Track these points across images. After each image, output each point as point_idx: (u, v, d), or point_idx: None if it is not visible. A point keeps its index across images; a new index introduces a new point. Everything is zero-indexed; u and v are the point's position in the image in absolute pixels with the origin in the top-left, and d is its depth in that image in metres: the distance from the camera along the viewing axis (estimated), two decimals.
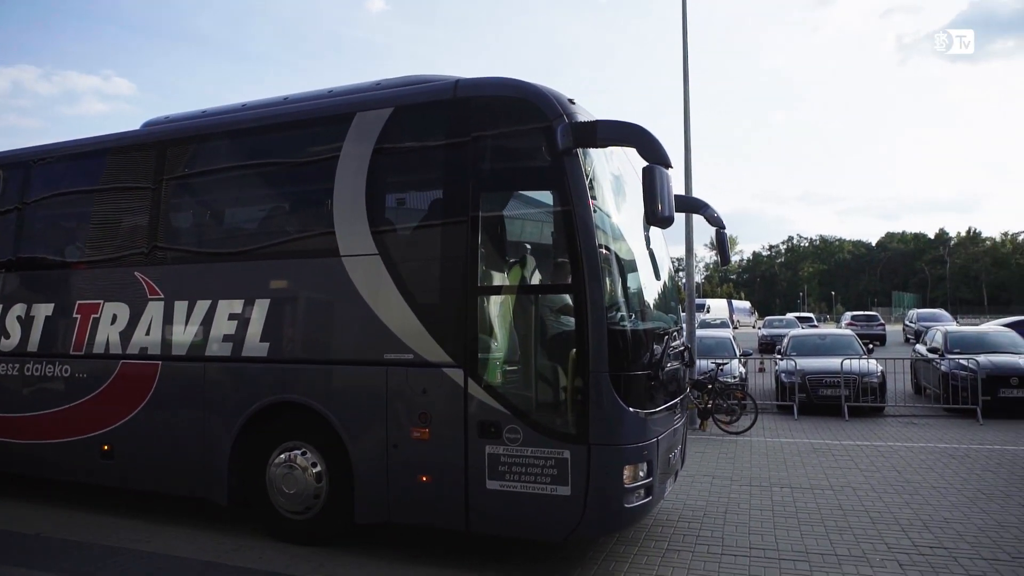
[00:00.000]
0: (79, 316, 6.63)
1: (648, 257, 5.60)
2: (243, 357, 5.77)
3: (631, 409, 4.71)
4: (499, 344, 5.04)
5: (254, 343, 5.73)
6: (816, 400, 12.84)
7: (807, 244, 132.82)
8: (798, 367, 13.09)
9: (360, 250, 5.37)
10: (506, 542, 5.39)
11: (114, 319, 6.43)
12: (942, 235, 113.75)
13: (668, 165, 4.58)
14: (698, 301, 34.85)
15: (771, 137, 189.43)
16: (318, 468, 5.49)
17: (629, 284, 5.14)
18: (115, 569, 5.08)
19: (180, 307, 6.12)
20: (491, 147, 5.16)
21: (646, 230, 5.71)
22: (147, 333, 6.24)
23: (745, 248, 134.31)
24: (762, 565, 5.14)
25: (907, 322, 35.79)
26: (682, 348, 6.06)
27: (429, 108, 5.47)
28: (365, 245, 5.35)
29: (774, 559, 5.26)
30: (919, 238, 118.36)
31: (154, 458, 6.19)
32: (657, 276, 5.79)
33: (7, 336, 7.05)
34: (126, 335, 6.35)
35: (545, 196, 5.13)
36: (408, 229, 5.57)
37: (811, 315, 48.78)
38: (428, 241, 5.29)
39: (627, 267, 5.16)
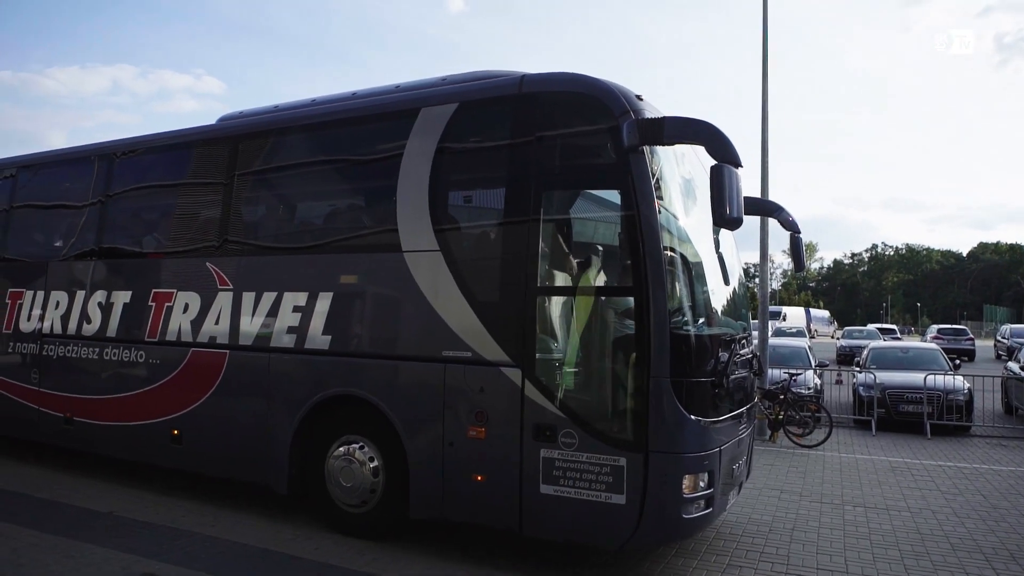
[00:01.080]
0: (154, 304, 6.88)
1: (717, 261, 5.39)
2: (306, 349, 5.85)
3: (692, 417, 4.53)
4: (558, 346, 4.94)
5: (316, 336, 5.81)
6: (896, 416, 12.19)
7: (892, 253, 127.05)
8: (878, 380, 12.44)
9: (422, 246, 5.36)
10: (561, 546, 5.27)
11: (186, 308, 6.64)
12: None
13: (738, 164, 4.37)
14: (773, 309, 33.80)
15: (855, 140, 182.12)
16: (375, 462, 5.51)
17: (695, 288, 4.96)
18: (180, 551, 5.22)
19: (248, 298, 6.26)
20: (556, 144, 5.07)
21: (715, 233, 5.50)
22: (216, 323, 6.42)
23: (825, 255, 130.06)
24: None
25: (999, 338, 33.66)
26: (750, 356, 5.81)
27: (494, 104, 5.42)
28: (427, 241, 5.34)
29: None
30: (1015, 249, 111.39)
31: (219, 444, 6.36)
32: (726, 281, 5.56)
33: (88, 321, 7.38)
34: (196, 324, 6.54)
35: (611, 195, 5.00)
36: (470, 226, 5.53)
37: (894, 327, 46.56)
38: (490, 239, 5.23)
39: (694, 271, 4.98)
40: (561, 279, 5.06)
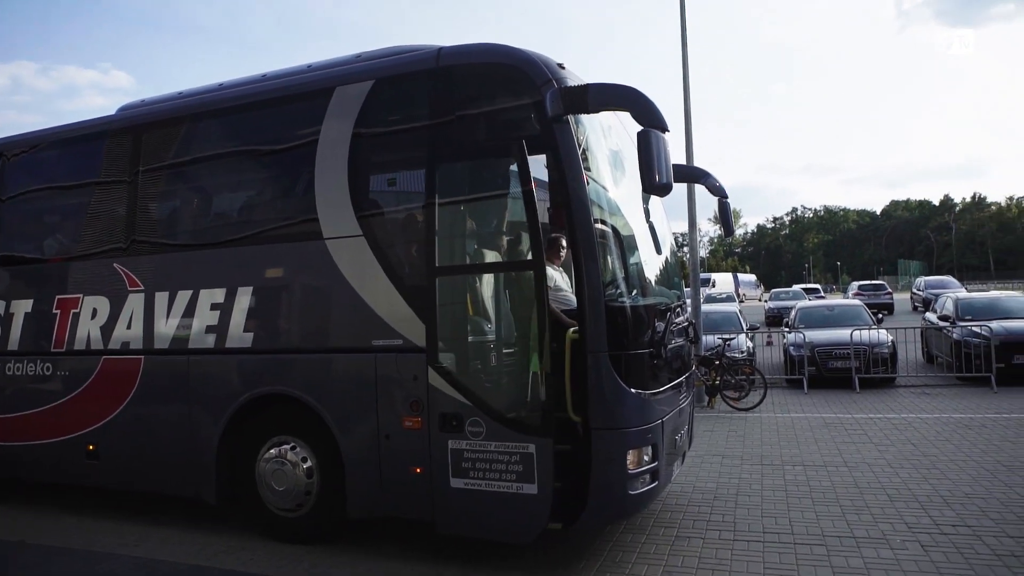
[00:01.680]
0: (59, 312, 6.38)
1: (648, 230, 5.31)
2: (227, 349, 5.51)
3: (633, 391, 4.44)
4: (468, 329, 4.82)
5: (238, 333, 5.47)
6: (826, 373, 12.56)
7: (811, 215, 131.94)
8: (807, 340, 12.79)
9: (344, 232, 5.08)
10: None
11: (94, 313, 6.18)
12: (947, 202, 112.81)
13: (664, 129, 4.26)
14: (703, 276, 34.45)
15: (772, 109, 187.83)
16: (308, 463, 5.25)
17: (627, 259, 4.86)
18: None
19: (161, 299, 5.85)
20: (478, 118, 4.86)
21: (645, 202, 5.41)
22: (128, 327, 5.99)
23: (749, 221, 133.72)
24: (777, 551, 4.89)
25: (915, 290, 35.35)
26: (686, 324, 5.78)
27: (411, 79, 5.16)
28: (350, 227, 5.06)
29: (789, 544, 5.01)
30: (924, 205, 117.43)
31: (141, 457, 5.96)
32: (658, 250, 5.50)
33: None
34: (107, 330, 6.09)
35: (538, 169, 4.84)
36: (394, 209, 5.28)
37: (818, 286, 48.17)
38: (415, 220, 4.99)
39: (625, 241, 4.87)
40: (473, 258, 4.91)
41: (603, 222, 4.55)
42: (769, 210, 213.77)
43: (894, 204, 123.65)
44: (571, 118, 4.50)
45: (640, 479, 4.51)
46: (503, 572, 4.75)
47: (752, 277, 70.50)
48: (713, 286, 41.30)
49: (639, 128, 4.27)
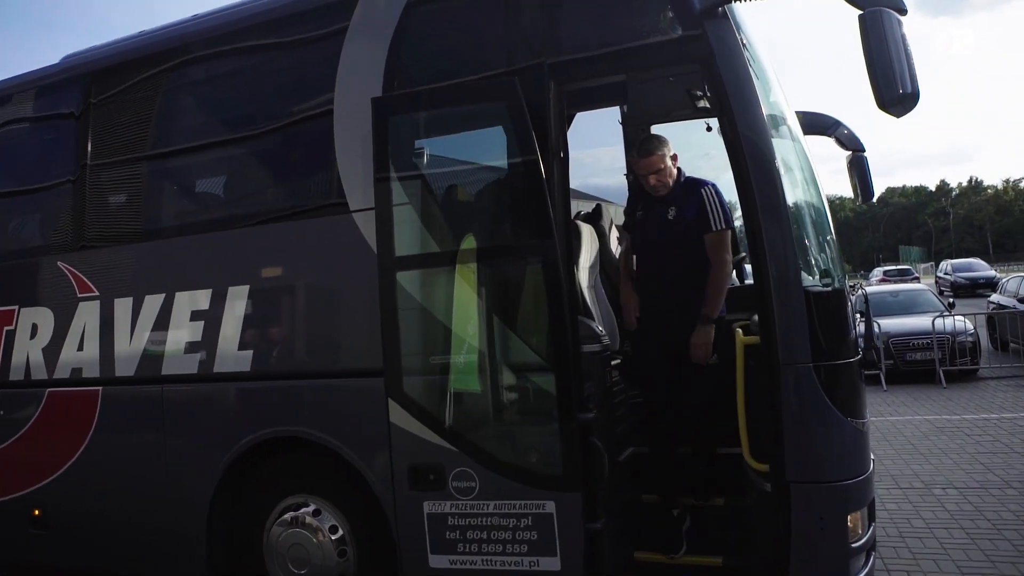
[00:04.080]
0: None
1: (816, 183, 3.73)
2: (216, 374, 3.91)
3: (849, 420, 2.88)
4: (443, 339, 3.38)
5: (230, 352, 3.87)
6: (903, 366, 11.05)
7: None
8: (881, 330, 11.24)
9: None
10: None
11: (34, 331, 4.55)
12: (943, 187, 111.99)
13: (903, 10, 2.69)
14: None
15: None
16: (339, 532, 3.66)
17: (818, 222, 3.29)
18: None
19: (122, 307, 4.23)
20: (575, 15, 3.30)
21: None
22: (79, 347, 4.36)
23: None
24: None
25: (941, 274, 33.33)
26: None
27: None
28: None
29: None
30: (920, 191, 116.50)
31: (103, 526, 4.33)
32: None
33: None
34: (51, 352, 4.46)
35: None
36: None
37: (908, 267, 39.79)
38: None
39: (809, 197, 3.30)
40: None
41: (784, 169, 2.99)
42: None
43: (890, 191, 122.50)
44: (728, 8, 2.95)
45: (862, 555, 2.95)
46: None
47: None
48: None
49: (860, 10, 2.70)
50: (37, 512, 4.50)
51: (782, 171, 2.87)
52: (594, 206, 5.25)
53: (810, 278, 2.93)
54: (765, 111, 2.94)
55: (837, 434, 2.84)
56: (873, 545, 3.06)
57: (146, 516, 4.15)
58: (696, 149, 5.29)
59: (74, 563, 4.58)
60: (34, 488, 4.50)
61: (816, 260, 3.05)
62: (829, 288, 2.99)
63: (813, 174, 3.37)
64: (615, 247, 5.16)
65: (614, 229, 5.29)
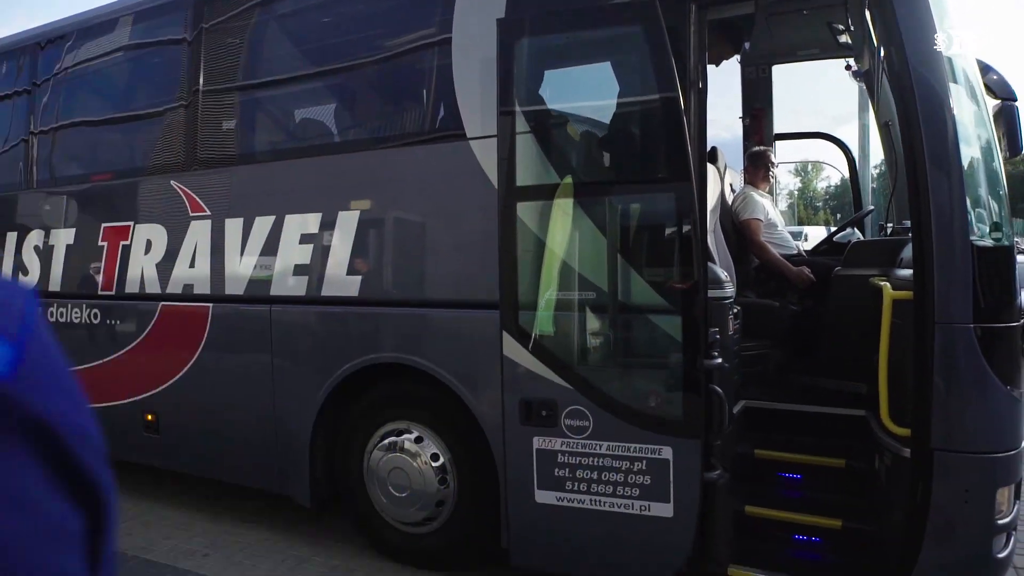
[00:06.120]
0: (106, 244, 4.92)
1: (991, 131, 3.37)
2: (324, 298, 3.94)
3: (1008, 389, 2.65)
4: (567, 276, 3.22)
5: (339, 277, 3.88)
6: None
7: None
8: None
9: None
10: None
11: (148, 247, 4.69)
12: None
13: None
14: (794, 229, 31.26)
15: None
16: (441, 461, 3.67)
17: (987, 165, 3.00)
18: None
19: (233, 227, 4.30)
20: None
21: None
22: (191, 264, 4.48)
23: (832, 174, 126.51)
24: None
25: None
26: None
27: None
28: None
29: None
30: None
31: (211, 436, 4.51)
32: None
33: (24, 272, 5.44)
34: (164, 268, 4.60)
35: None
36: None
37: None
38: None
39: (981, 144, 3.00)
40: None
41: (956, 108, 2.71)
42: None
43: None
44: None
45: (1004, 534, 2.75)
46: None
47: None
48: (805, 240, 38.25)
49: None
50: (150, 417, 4.71)
51: (955, 109, 2.60)
52: (710, 148, 4.99)
53: (977, 231, 2.67)
54: (938, 44, 2.65)
55: (992, 402, 2.62)
56: (1015, 525, 2.85)
57: (251, 431, 4.28)
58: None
59: (183, 467, 4.81)
60: (147, 394, 4.70)
61: (985, 212, 2.78)
62: (998, 244, 2.72)
63: (985, 117, 3.05)
64: (728, 194, 4.92)
65: (728, 173, 5.03)
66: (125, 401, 4.83)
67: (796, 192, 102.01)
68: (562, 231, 3.18)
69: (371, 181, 3.86)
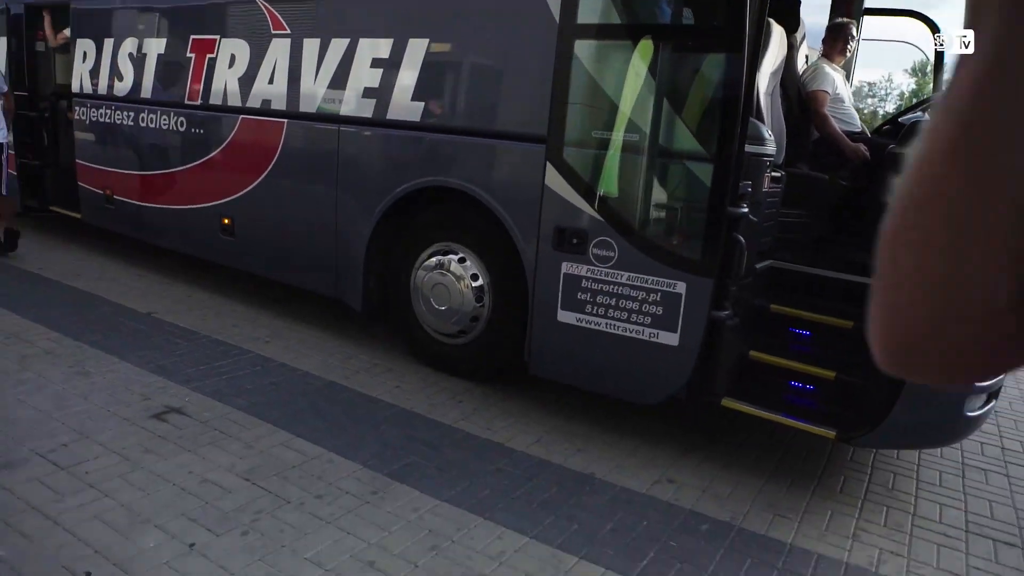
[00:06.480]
0: (193, 56, 5.25)
1: None
2: (389, 121, 4.20)
3: None
4: (614, 116, 3.31)
5: (403, 102, 4.12)
6: None
7: None
8: None
9: None
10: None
11: (232, 61, 4.99)
12: None
13: None
14: None
15: None
16: (480, 282, 4.03)
17: None
18: (221, 376, 3.99)
19: (310, 47, 4.54)
20: None
21: None
22: (270, 81, 4.78)
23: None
24: None
25: None
26: None
27: None
28: None
29: None
30: None
31: (277, 241, 4.98)
32: None
33: (120, 79, 5.86)
34: (245, 83, 4.92)
35: None
36: None
37: None
38: None
39: None
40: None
41: None
42: None
43: None
44: None
45: (982, 396, 2.95)
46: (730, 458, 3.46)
47: None
48: None
49: None
50: (226, 221, 5.20)
51: None
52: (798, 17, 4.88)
53: None
54: None
55: None
56: (996, 392, 3.04)
57: (316, 240, 4.70)
58: None
59: (252, 268, 5.33)
60: (225, 200, 5.17)
61: None
62: None
63: None
64: (801, 63, 4.85)
65: (805, 45, 4.93)
66: (206, 205, 5.32)
67: (908, 94, 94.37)
68: (614, 71, 3.31)
69: (442, 11, 4.00)
